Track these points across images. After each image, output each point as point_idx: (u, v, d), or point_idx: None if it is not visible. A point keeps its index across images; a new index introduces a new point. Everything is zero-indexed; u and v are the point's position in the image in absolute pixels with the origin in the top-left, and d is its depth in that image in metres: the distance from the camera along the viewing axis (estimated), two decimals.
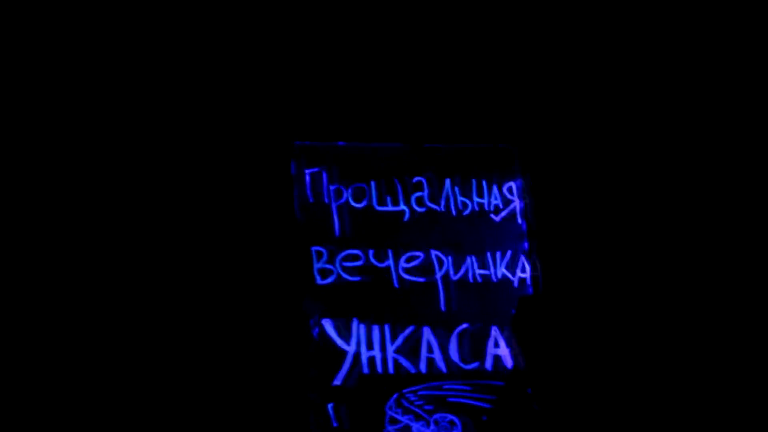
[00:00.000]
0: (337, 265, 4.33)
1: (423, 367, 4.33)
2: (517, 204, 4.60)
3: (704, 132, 4.73)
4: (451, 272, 4.45)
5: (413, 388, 4.29)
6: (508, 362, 4.38)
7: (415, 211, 4.48)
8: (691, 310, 4.56)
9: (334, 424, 4.16)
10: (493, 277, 4.50)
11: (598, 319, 4.47)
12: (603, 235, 4.59)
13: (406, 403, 4.26)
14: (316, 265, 4.31)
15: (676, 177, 4.71)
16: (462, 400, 4.33)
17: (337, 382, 4.22)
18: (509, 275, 4.51)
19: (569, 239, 4.59)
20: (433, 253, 4.45)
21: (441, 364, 4.35)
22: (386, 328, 4.32)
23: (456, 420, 4.29)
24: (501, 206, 4.58)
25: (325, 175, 4.41)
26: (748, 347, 4.51)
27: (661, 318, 4.54)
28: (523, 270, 4.53)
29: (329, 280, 4.31)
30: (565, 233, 4.60)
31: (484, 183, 4.59)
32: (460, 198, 4.54)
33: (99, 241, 4.08)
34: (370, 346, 4.29)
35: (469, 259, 4.49)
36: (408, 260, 4.42)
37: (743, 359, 4.49)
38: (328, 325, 4.26)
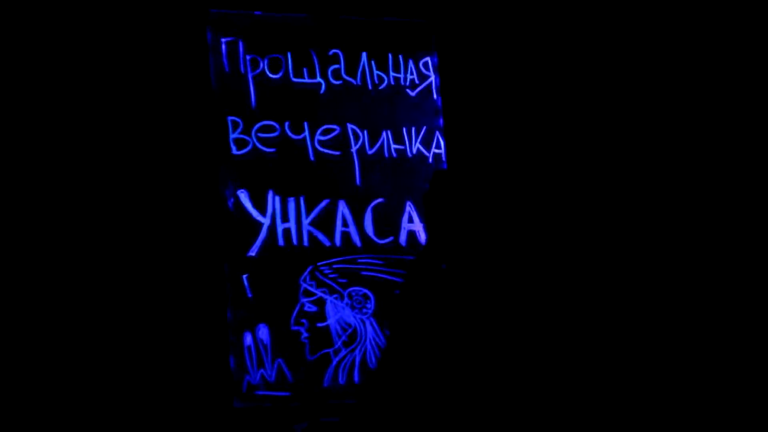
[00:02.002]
0: (253, 136, 4.40)
1: (338, 240, 4.46)
2: (433, 79, 4.73)
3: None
4: (367, 146, 4.57)
5: (328, 261, 4.43)
6: (422, 237, 4.54)
7: (331, 83, 4.57)
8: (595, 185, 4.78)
9: (249, 295, 4.28)
10: (409, 152, 4.64)
11: (510, 197, 4.65)
12: (518, 114, 4.74)
13: (320, 276, 4.40)
14: (232, 135, 4.37)
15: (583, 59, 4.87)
16: (375, 274, 4.49)
17: (252, 253, 4.33)
18: (424, 151, 4.66)
19: (483, 116, 4.73)
20: (349, 126, 4.56)
21: (355, 238, 4.49)
22: (301, 200, 4.43)
23: (369, 294, 4.46)
24: (417, 81, 4.71)
25: (241, 45, 4.45)
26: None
27: (570, 195, 4.74)
28: (438, 146, 4.68)
29: (245, 150, 4.38)
30: (478, 110, 4.74)
31: (400, 57, 4.69)
32: (376, 72, 4.64)
33: None
34: (285, 219, 4.40)
35: (384, 134, 4.61)
36: (324, 133, 4.52)
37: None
38: (243, 196, 4.35)
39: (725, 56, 4.85)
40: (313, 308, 4.36)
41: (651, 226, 4.75)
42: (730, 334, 4.60)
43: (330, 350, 4.35)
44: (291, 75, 4.51)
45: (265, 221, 4.37)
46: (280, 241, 4.38)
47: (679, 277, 4.67)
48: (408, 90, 4.68)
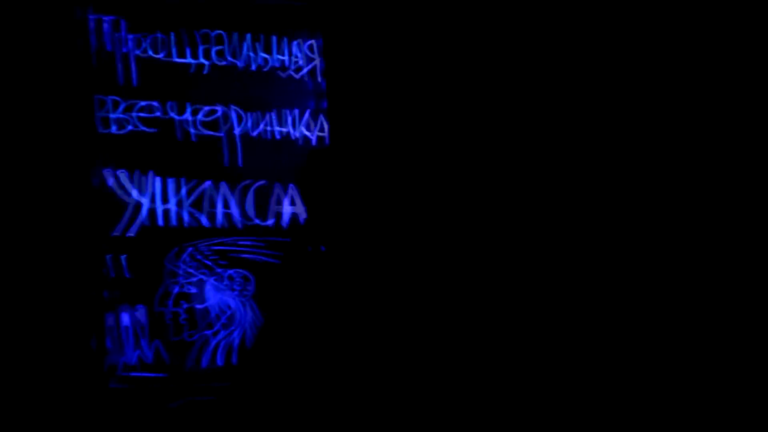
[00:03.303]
0: (134, 115, 4.44)
1: (219, 222, 4.54)
2: (317, 62, 4.82)
3: None
4: (250, 128, 4.65)
5: (208, 243, 4.51)
6: (304, 220, 4.64)
7: (214, 64, 4.63)
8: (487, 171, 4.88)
9: (127, 276, 4.34)
10: (292, 134, 4.73)
11: (392, 180, 4.75)
12: (404, 97, 4.85)
13: (200, 257, 4.48)
14: (113, 115, 4.41)
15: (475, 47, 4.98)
16: (256, 257, 4.58)
17: (131, 233, 4.38)
18: (308, 133, 4.76)
19: (368, 99, 4.84)
20: (232, 108, 4.63)
21: (237, 220, 4.57)
22: (182, 181, 4.50)
23: (250, 276, 4.55)
24: (301, 64, 4.79)
25: (123, 24, 4.48)
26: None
27: (459, 175, 4.84)
28: (322, 129, 4.78)
29: (125, 130, 4.42)
30: (363, 93, 4.84)
31: (284, 40, 4.78)
32: (260, 53, 4.72)
33: None
34: (165, 200, 4.46)
35: (268, 116, 4.69)
36: (206, 114, 4.58)
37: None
38: (123, 177, 4.40)
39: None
40: (193, 290, 4.44)
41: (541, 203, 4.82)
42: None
43: (209, 332, 4.44)
44: (174, 55, 4.56)
45: (145, 201, 4.43)
46: (160, 222, 4.44)
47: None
48: (292, 72, 4.77)
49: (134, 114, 4.44)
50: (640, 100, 4.83)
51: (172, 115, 4.51)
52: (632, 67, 4.84)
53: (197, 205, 4.51)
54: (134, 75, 4.46)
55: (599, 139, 4.87)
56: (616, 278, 4.74)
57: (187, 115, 4.53)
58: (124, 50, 4.46)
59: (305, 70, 4.79)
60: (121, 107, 4.42)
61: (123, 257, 4.33)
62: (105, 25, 4.44)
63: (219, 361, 4.43)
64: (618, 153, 4.84)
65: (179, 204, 4.47)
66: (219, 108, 4.60)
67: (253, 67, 4.69)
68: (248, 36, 4.69)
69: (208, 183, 4.53)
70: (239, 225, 4.57)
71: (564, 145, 4.87)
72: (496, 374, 4.52)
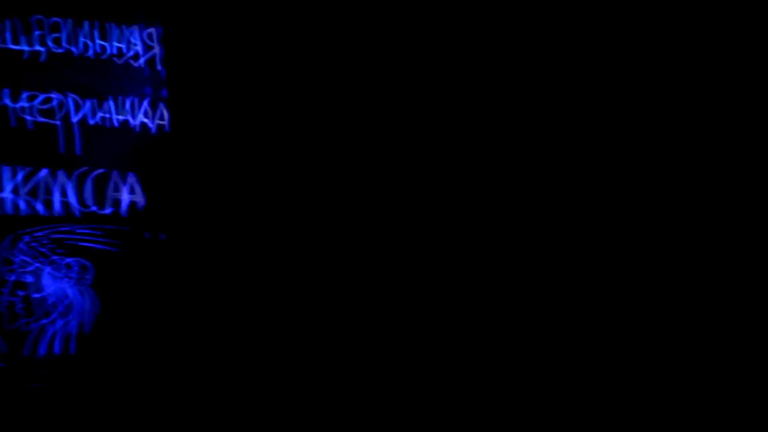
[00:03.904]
0: None
1: (56, 210, 4.53)
2: (157, 50, 4.85)
3: None
4: (89, 116, 4.65)
5: (46, 232, 4.49)
6: (143, 207, 4.67)
7: (51, 51, 4.61)
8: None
9: None
10: (131, 122, 4.74)
11: (231, 168, 4.81)
12: (245, 87, 4.92)
13: (37, 246, 4.46)
14: None
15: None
16: (95, 245, 4.58)
17: None
18: (148, 122, 4.78)
19: (208, 88, 4.89)
20: (70, 95, 4.62)
21: (75, 208, 4.57)
22: (18, 169, 4.47)
23: (88, 264, 4.55)
24: (141, 52, 4.81)
25: None
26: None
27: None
28: (162, 117, 4.81)
29: None
30: (203, 81, 4.89)
31: (123, 28, 4.79)
32: (98, 41, 4.72)
33: None
34: (0, 188, 4.43)
35: (106, 104, 4.70)
36: (43, 102, 4.56)
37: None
38: None
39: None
40: (30, 278, 4.42)
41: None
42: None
43: (46, 320, 4.42)
44: (8, 41, 4.53)
45: None
46: None
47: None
48: (131, 60, 4.78)
49: None
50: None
51: (7, 101, 4.48)
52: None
53: (34, 193, 4.49)
54: None
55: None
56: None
57: (23, 102, 4.51)
58: None
59: (144, 58, 4.81)
60: None
61: None
62: None
63: (57, 350, 4.42)
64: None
65: (15, 191, 4.45)
66: (55, 95, 4.59)
67: (91, 55, 4.69)
68: (86, 23, 4.69)
69: (44, 171, 4.52)
70: (77, 213, 4.56)
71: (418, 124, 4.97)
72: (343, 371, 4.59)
